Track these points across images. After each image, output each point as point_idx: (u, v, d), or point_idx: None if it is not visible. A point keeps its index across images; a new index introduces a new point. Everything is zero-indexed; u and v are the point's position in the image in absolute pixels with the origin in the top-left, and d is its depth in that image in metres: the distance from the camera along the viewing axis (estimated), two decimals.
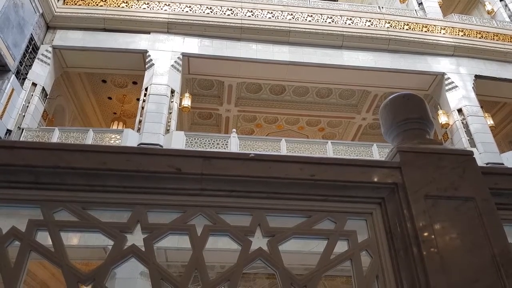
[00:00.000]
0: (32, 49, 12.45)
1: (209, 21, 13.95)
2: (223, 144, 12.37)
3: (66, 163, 1.32)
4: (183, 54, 13.56)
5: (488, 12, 17.61)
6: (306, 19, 14.58)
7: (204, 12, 14.14)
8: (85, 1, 13.70)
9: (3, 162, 1.30)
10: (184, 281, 1.24)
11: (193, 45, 13.78)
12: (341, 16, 14.88)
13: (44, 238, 1.29)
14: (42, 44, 13.01)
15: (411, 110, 1.67)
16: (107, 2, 13.72)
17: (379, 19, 15.05)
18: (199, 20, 13.91)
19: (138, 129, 12.12)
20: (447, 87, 14.34)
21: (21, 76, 11.95)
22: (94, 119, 16.88)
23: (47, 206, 1.30)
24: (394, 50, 14.63)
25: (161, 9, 13.93)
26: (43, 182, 1.32)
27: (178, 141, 11.89)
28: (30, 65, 12.40)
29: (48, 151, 1.34)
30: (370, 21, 14.95)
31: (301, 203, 1.41)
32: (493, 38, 15.47)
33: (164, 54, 13.38)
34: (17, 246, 1.25)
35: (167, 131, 12.20)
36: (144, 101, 12.63)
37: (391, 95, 1.77)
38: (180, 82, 13.47)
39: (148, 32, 13.69)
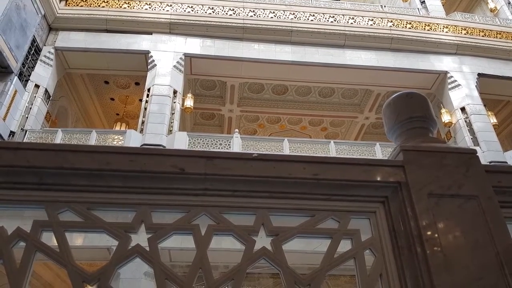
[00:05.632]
0: (34, 51, 12.48)
1: (211, 21, 13.96)
2: (226, 145, 12.37)
3: (71, 164, 1.32)
4: (185, 55, 13.57)
5: (491, 10, 17.54)
6: (308, 19, 14.57)
7: (206, 12, 14.14)
8: (87, 2, 13.72)
9: (7, 163, 1.30)
10: (189, 280, 1.24)
11: (195, 45, 13.78)
12: (343, 15, 14.87)
13: (48, 239, 1.29)
14: (45, 45, 13.04)
15: (414, 109, 1.66)
16: (109, 3, 13.74)
17: (381, 18, 15.02)
18: (201, 21, 13.92)
19: (141, 130, 12.13)
20: (450, 86, 14.29)
21: (24, 77, 11.98)
22: (97, 120, 16.91)
23: (52, 207, 1.31)
24: (396, 49, 14.60)
25: (163, 9, 13.94)
26: (48, 183, 1.33)
27: (181, 141, 11.90)
28: (33, 67, 12.43)
29: (52, 152, 1.34)
30: (372, 20, 14.92)
31: (304, 202, 1.41)
32: (496, 36, 15.42)
33: (166, 54, 13.39)
34: (22, 247, 1.25)
35: (170, 131, 12.21)
36: (146, 102, 12.64)
37: (394, 94, 1.77)
38: (183, 83, 13.48)
39: (150, 33, 13.71)
